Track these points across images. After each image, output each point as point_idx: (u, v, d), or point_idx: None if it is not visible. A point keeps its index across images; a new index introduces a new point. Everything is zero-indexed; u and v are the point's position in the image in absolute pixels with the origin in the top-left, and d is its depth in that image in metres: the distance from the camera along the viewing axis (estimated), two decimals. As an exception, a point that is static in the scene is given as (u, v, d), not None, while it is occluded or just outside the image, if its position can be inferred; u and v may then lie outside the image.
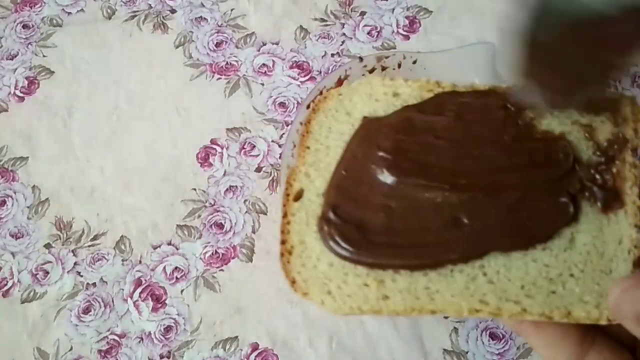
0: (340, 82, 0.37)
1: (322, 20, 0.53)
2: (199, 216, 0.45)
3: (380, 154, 0.29)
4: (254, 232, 0.45)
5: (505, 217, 0.27)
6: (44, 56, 0.53)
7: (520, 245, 0.26)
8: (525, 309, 0.25)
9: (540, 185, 0.27)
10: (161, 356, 0.41)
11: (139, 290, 0.43)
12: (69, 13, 0.55)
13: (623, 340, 0.25)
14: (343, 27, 0.52)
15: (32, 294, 0.43)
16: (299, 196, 0.30)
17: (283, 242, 0.29)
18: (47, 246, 0.45)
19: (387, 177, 0.29)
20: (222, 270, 0.44)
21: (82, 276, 0.44)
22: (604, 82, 0.27)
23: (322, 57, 0.51)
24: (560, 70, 0.26)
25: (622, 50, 0.25)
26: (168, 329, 0.42)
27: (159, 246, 0.44)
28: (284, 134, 0.48)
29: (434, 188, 0.28)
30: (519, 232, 0.27)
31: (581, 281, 0.25)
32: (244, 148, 0.48)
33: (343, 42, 0.52)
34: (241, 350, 0.41)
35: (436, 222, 0.27)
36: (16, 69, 0.52)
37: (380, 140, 0.30)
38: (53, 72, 0.52)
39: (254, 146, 0.48)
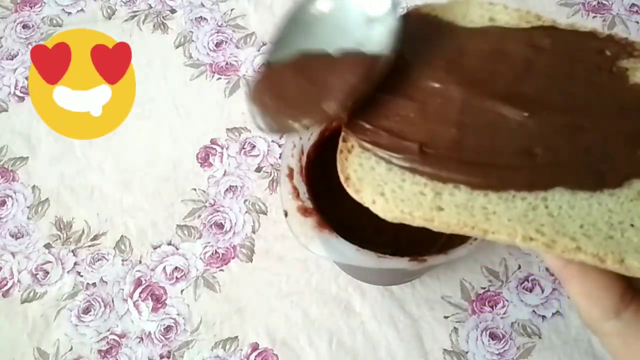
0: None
1: (322, 20, 0.53)
2: (199, 216, 0.45)
3: (466, 71, 0.29)
4: (254, 232, 0.45)
5: (579, 156, 0.27)
6: (44, 56, 0.53)
7: (589, 186, 0.26)
8: (579, 247, 0.24)
9: (621, 134, 0.27)
10: (161, 356, 0.41)
11: (139, 290, 0.43)
12: (69, 13, 0.55)
13: None
14: (343, 27, 0.52)
15: (32, 294, 0.43)
16: None
17: (344, 140, 0.28)
18: (47, 246, 0.45)
19: (469, 95, 0.28)
20: (222, 270, 0.44)
21: (82, 276, 0.44)
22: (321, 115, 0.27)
23: (322, 57, 0.51)
24: (282, 97, 0.28)
25: (340, 92, 0.26)
26: (168, 329, 0.42)
27: (159, 246, 0.44)
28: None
29: (514, 112, 0.27)
30: (590, 173, 0.26)
31: None
32: (244, 148, 0.48)
33: (343, 42, 0.52)
34: (241, 350, 0.41)
35: (509, 146, 0.27)
36: (16, 69, 0.52)
37: (466, 57, 0.29)
38: (53, 72, 0.52)
39: (254, 146, 0.48)
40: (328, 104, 0.27)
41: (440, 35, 0.30)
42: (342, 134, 0.28)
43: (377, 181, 0.27)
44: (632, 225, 0.25)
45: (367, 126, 0.28)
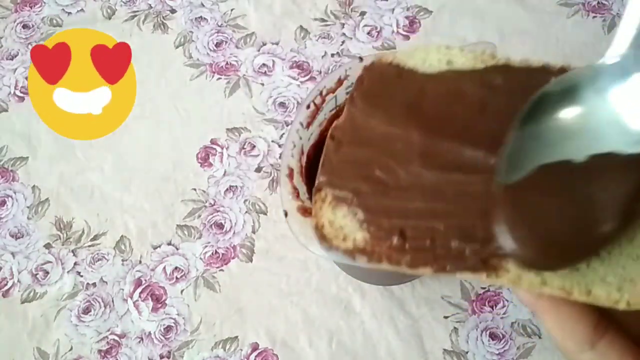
0: (340, 82, 0.37)
1: (322, 20, 0.53)
2: (199, 216, 0.45)
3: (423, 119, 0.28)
4: (254, 232, 0.45)
5: None
6: (44, 56, 0.53)
7: None
8: (545, 281, 0.24)
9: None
10: (161, 356, 0.41)
11: (139, 290, 0.43)
12: (69, 13, 0.55)
13: (633, 336, 0.25)
14: (343, 27, 0.52)
15: (32, 294, 0.43)
16: None
17: (318, 190, 0.29)
18: (47, 246, 0.45)
19: (428, 138, 0.27)
20: (222, 270, 0.44)
21: (82, 276, 0.44)
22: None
23: (322, 57, 0.51)
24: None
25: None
26: (168, 329, 0.42)
27: (159, 246, 0.44)
28: (284, 134, 0.48)
29: (471, 152, 0.27)
30: None
31: (606, 262, 0.25)
32: (244, 148, 0.48)
33: (343, 42, 0.52)
34: (241, 350, 0.41)
35: (473, 207, 0.26)
36: (16, 69, 0.52)
37: (425, 101, 0.29)
38: (53, 72, 0.52)
39: (254, 146, 0.48)
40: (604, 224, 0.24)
41: (402, 82, 0.30)
42: (316, 184, 0.28)
43: (347, 232, 0.27)
44: (596, 255, 0.25)
45: (339, 182, 0.27)
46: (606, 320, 0.24)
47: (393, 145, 0.28)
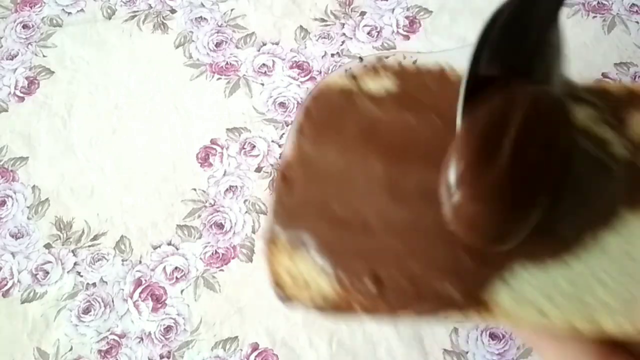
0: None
1: (322, 20, 0.53)
2: (199, 216, 0.45)
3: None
4: (254, 232, 0.45)
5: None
6: (44, 56, 0.53)
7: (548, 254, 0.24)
8: (544, 313, 0.22)
9: None
10: (161, 356, 0.41)
11: (139, 290, 0.43)
12: (69, 13, 0.55)
13: None
14: (343, 27, 0.52)
15: (32, 294, 0.43)
16: None
17: (272, 232, 0.26)
18: (47, 246, 0.45)
19: (390, 165, 0.25)
20: (222, 270, 0.44)
21: (82, 276, 0.44)
22: None
23: (322, 57, 0.51)
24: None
25: None
26: (168, 329, 0.42)
27: (159, 246, 0.44)
28: (284, 134, 0.48)
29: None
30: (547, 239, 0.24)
31: (610, 289, 0.23)
32: (244, 148, 0.48)
33: (343, 42, 0.52)
34: (241, 350, 0.41)
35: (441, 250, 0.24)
36: (16, 69, 0.52)
37: (377, 126, 0.26)
38: (53, 72, 0.52)
39: (254, 146, 0.48)
40: None
41: (354, 108, 0.27)
42: (269, 233, 0.26)
43: (309, 280, 0.24)
44: (602, 285, 0.23)
45: (296, 225, 0.25)
46: (610, 348, 0.23)
47: (353, 178, 0.25)
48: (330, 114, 0.27)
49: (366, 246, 0.23)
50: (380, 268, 0.23)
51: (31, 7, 0.55)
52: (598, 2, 0.53)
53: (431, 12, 0.53)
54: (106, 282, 0.44)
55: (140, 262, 0.44)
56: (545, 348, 0.23)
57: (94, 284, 0.43)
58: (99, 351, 0.41)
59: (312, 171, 0.26)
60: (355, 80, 0.28)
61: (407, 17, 0.53)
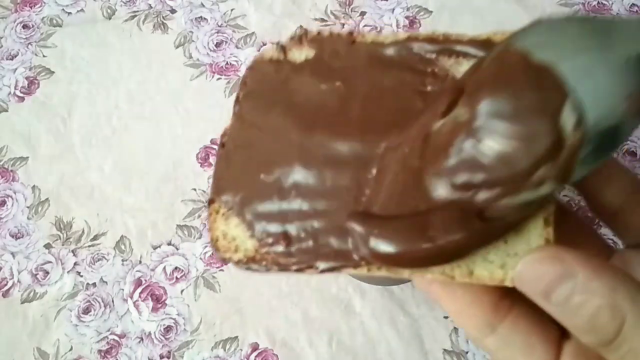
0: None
1: (322, 20, 0.53)
2: (199, 216, 0.45)
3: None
4: (254, 232, 0.45)
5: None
6: (44, 56, 0.53)
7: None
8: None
9: None
10: (161, 356, 0.41)
11: (139, 290, 0.43)
12: (69, 13, 0.55)
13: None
14: (343, 27, 0.52)
15: (32, 294, 0.43)
16: None
17: (211, 202, 0.29)
18: (47, 246, 0.45)
19: (303, 132, 0.26)
20: (222, 270, 0.44)
21: (82, 276, 0.44)
22: None
23: (322, 57, 0.51)
24: None
25: None
26: (168, 329, 0.42)
27: (159, 246, 0.44)
28: (284, 134, 0.48)
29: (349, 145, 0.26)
30: None
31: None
32: (244, 148, 0.48)
33: (343, 42, 0.52)
34: (241, 350, 0.41)
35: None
36: (16, 69, 0.52)
37: (296, 94, 0.28)
38: (53, 72, 0.52)
39: (254, 146, 0.48)
40: None
41: (281, 77, 0.29)
42: (209, 197, 0.28)
43: (239, 243, 0.26)
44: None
45: (229, 191, 0.27)
46: (510, 299, 0.22)
47: (275, 145, 0.27)
48: (260, 83, 0.29)
49: (281, 208, 0.26)
50: (290, 228, 0.25)
51: (31, 7, 0.55)
52: (598, 2, 0.53)
53: (431, 12, 0.53)
54: (106, 282, 0.44)
55: (140, 262, 0.44)
56: (441, 299, 0.23)
57: (94, 284, 0.43)
58: (99, 351, 0.41)
59: (243, 138, 0.28)
60: (284, 51, 0.29)
61: (407, 17, 0.53)
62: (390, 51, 0.27)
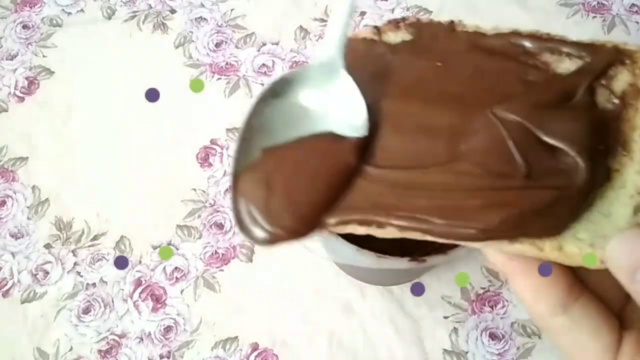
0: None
1: (322, 20, 0.53)
2: (199, 216, 0.45)
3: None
4: (254, 232, 0.45)
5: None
6: (44, 56, 0.53)
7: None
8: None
9: None
10: (161, 356, 0.41)
11: (139, 290, 0.43)
12: (69, 13, 0.55)
13: (610, 304, 0.24)
14: (343, 27, 0.52)
15: (32, 294, 0.43)
16: None
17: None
18: (47, 246, 0.45)
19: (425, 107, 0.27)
20: (222, 270, 0.44)
21: (82, 276, 0.44)
22: None
23: (322, 57, 0.51)
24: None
25: None
26: (168, 329, 0.42)
27: (159, 246, 0.44)
28: (284, 134, 0.48)
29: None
30: None
31: (577, 218, 0.24)
32: (244, 148, 0.48)
33: (343, 42, 0.52)
34: (241, 350, 0.41)
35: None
36: (16, 69, 0.52)
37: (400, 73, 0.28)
38: (53, 72, 0.52)
39: (254, 146, 0.48)
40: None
41: (374, 54, 0.30)
42: None
43: None
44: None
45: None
46: (580, 284, 0.23)
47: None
48: (352, 58, 0.29)
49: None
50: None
51: (31, 7, 0.55)
52: (598, 2, 0.53)
53: (431, 12, 0.53)
54: (106, 282, 0.44)
55: (140, 262, 0.44)
56: (517, 274, 0.24)
57: (94, 284, 0.43)
58: (99, 351, 0.41)
59: None
60: (379, 32, 0.30)
61: (407, 17, 0.53)
62: (492, 41, 0.28)
